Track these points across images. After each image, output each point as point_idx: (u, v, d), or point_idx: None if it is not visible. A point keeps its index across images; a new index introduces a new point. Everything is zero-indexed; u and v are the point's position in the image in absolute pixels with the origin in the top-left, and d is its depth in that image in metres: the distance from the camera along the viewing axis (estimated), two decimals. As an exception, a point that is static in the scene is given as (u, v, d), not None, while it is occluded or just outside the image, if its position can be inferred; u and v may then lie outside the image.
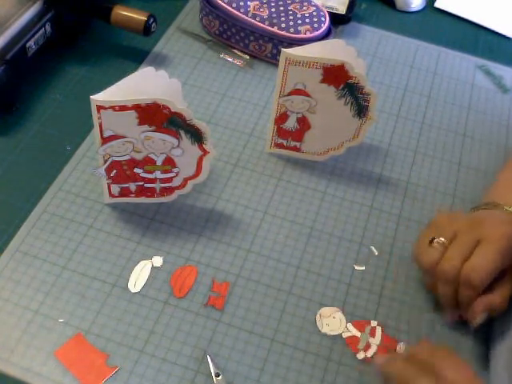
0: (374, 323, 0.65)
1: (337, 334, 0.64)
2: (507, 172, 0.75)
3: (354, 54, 0.69)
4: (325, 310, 0.66)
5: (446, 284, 0.62)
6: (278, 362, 0.62)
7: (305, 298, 0.67)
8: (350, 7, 0.97)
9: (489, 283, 0.61)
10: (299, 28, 0.87)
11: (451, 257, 0.62)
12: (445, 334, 0.65)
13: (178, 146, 0.65)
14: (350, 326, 0.65)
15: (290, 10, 0.89)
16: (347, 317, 0.65)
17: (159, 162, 0.67)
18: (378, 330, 0.65)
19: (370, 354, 0.63)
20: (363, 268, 0.70)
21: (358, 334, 0.64)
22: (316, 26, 0.88)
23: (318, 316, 0.65)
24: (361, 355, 0.63)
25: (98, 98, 0.60)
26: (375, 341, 0.64)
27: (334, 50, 0.68)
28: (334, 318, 0.65)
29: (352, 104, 0.71)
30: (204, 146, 0.65)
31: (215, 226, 0.72)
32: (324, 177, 0.78)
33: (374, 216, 0.75)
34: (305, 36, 0.87)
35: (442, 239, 0.63)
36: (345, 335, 0.64)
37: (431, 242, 0.64)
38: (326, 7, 0.95)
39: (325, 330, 0.64)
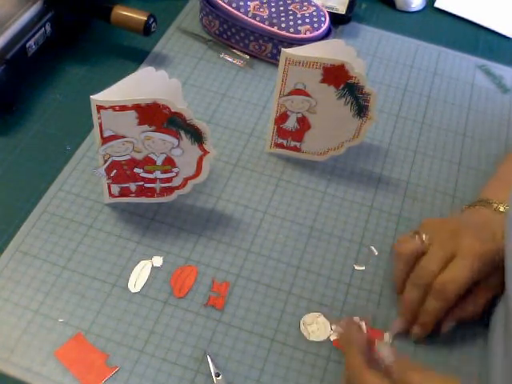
0: (356, 319, 0.65)
1: (324, 339, 0.64)
2: (504, 166, 0.76)
3: (354, 54, 0.69)
4: (307, 318, 0.65)
5: (415, 288, 0.63)
6: (277, 362, 0.62)
7: (305, 298, 0.67)
8: (350, 7, 0.97)
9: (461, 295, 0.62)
10: (299, 28, 0.87)
11: (429, 261, 0.63)
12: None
13: (178, 145, 0.65)
14: (334, 327, 0.65)
15: (290, 9, 0.89)
16: (329, 318, 0.65)
17: (159, 162, 0.67)
18: (363, 326, 0.65)
19: None
20: (363, 268, 0.70)
21: None
22: (316, 26, 0.88)
23: (301, 325, 0.65)
24: None
25: (98, 98, 0.60)
26: None
27: (334, 50, 0.68)
28: (317, 323, 0.65)
29: (352, 104, 0.71)
30: (204, 146, 0.65)
31: (215, 226, 0.72)
32: (324, 177, 0.78)
33: (373, 216, 0.75)
34: (305, 36, 0.87)
35: (424, 236, 0.65)
36: (332, 338, 0.64)
37: (413, 234, 0.66)
38: (326, 7, 0.95)
39: (312, 338, 0.64)
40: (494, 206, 0.67)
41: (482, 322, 0.65)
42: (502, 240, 0.59)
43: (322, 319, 0.65)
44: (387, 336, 0.64)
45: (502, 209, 0.66)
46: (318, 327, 0.64)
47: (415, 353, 0.63)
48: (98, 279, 0.66)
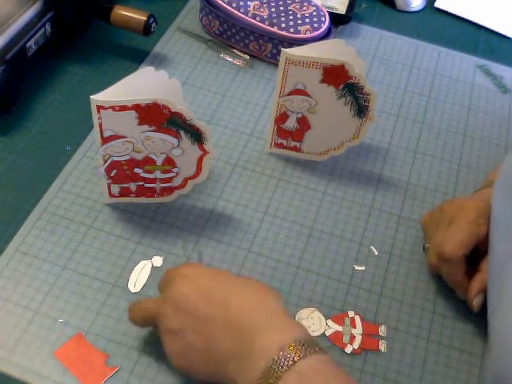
0: (351, 314, 0.66)
1: (319, 334, 0.64)
2: None
3: (354, 54, 0.69)
4: (303, 312, 0.65)
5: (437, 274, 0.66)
6: (278, 361, 0.62)
7: (305, 298, 0.67)
8: (350, 7, 0.97)
9: (471, 259, 0.63)
10: (299, 28, 0.87)
11: (431, 251, 0.66)
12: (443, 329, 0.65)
13: (178, 146, 0.65)
14: (329, 322, 0.65)
15: (290, 9, 0.89)
16: (324, 314, 0.66)
17: (159, 162, 0.67)
18: (358, 320, 0.65)
19: (356, 345, 0.63)
20: (363, 268, 0.70)
21: (340, 328, 0.64)
22: (316, 26, 0.88)
23: (296, 319, 0.65)
24: (349, 349, 0.63)
25: (98, 98, 0.60)
26: (357, 331, 0.64)
27: (334, 50, 0.68)
28: (312, 318, 0.65)
29: (352, 104, 0.71)
30: (204, 145, 0.65)
31: (215, 226, 0.72)
32: (324, 177, 0.78)
33: (373, 216, 0.75)
34: (305, 36, 0.87)
35: (428, 244, 0.68)
36: (327, 333, 0.64)
37: (424, 249, 0.69)
38: (326, 7, 0.95)
39: None
40: None
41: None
42: None
43: (316, 314, 0.65)
44: (383, 329, 0.65)
45: None
46: (313, 322, 0.65)
47: (427, 345, 0.64)
48: (97, 279, 0.66)
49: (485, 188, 0.71)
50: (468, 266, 0.63)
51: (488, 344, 0.58)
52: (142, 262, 0.68)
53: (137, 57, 0.89)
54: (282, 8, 0.89)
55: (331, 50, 0.68)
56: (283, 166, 0.79)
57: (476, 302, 0.63)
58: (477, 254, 0.64)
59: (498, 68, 0.96)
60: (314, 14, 0.89)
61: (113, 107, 0.60)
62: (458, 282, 0.64)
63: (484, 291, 0.62)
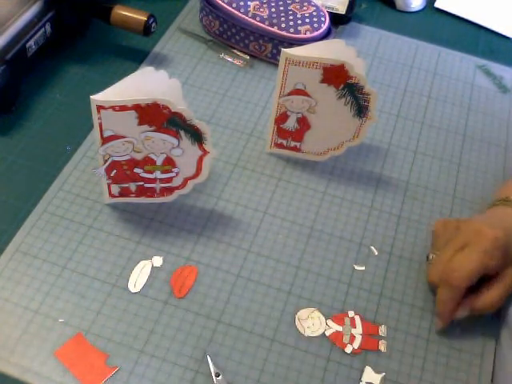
0: (351, 313, 0.66)
1: (319, 334, 0.64)
2: None
3: (354, 54, 0.69)
4: (302, 313, 0.65)
5: (434, 288, 0.64)
6: (277, 361, 0.62)
7: (305, 298, 0.67)
8: (350, 7, 0.97)
9: (474, 284, 0.61)
10: (299, 28, 0.87)
11: (435, 263, 0.64)
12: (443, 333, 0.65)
13: (178, 146, 0.65)
14: (329, 322, 0.65)
15: (290, 9, 0.89)
16: (324, 314, 0.66)
17: (159, 162, 0.67)
18: (358, 320, 0.65)
19: (356, 345, 0.63)
20: (363, 268, 0.70)
21: (340, 328, 0.64)
22: (316, 25, 0.88)
23: (296, 320, 0.65)
24: (349, 349, 0.63)
25: (98, 98, 0.60)
26: (357, 331, 0.64)
27: (334, 50, 0.68)
28: (312, 318, 0.65)
29: (352, 104, 0.71)
30: (204, 145, 0.65)
31: (215, 226, 0.72)
32: (324, 177, 0.78)
33: (373, 216, 0.75)
34: (305, 36, 0.87)
35: (433, 254, 0.67)
36: (327, 333, 0.64)
37: (427, 258, 0.68)
38: (326, 7, 0.95)
39: (307, 333, 0.64)
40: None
41: (496, 316, 0.65)
42: None
43: (316, 314, 0.65)
44: (383, 329, 0.65)
45: None
46: (313, 322, 0.65)
47: (427, 345, 0.64)
48: (97, 279, 0.66)
49: (501, 206, 0.68)
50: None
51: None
52: (142, 262, 0.68)
53: (137, 57, 0.89)
54: (281, 8, 0.89)
55: (331, 50, 0.68)
56: (283, 166, 0.79)
57: (459, 316, 0.62)
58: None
59: (498, 68, 0.96)
60: (314, 14, 0.89)
61: (113, 107, 0.60)
62: (447, 307, 0.62)
63: (469, 313, 0.62)
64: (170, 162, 0.67)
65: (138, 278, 0.66)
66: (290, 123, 0.75)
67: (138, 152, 0.66)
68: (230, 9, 0.89)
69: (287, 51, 0.67)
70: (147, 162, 0.67)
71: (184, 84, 0.86)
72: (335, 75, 0.68)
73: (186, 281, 0.67)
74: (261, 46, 0.90)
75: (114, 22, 0.86)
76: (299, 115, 0.74)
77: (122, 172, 0.68)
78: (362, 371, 0.62)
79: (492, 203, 0.71)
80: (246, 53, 0.92)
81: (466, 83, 0.93)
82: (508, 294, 0.63)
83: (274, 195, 0.75)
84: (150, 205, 0.73)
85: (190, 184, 0.70)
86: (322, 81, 0.69)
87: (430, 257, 0.67)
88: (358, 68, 0.68)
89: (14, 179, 0.74)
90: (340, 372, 0.62)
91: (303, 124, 0.75)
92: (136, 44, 0.91)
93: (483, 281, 0.62)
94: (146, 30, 0.85)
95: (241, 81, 0.88)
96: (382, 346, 0.64)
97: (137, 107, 0.61)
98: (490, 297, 0.62)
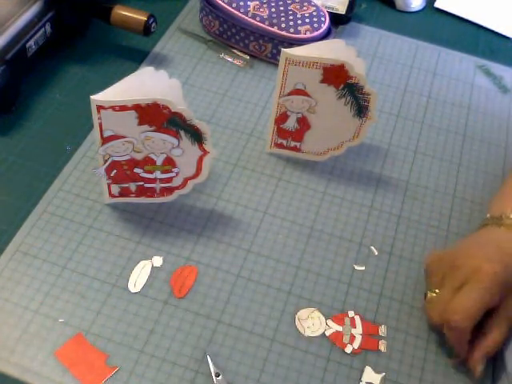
0: (351, 313, 0.66)
1: (319, 334, 0.64)
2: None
3: (354, 54, 0.69)
4: (302, 313, 0.65)
5: (436, 329, 0.62)
6: (277, 362, 0.62)
7: (305, 298, 0.67)
8: (350, 7, 0.97)
9: (481, 322, 0.60)
10: (299, 28, 0.87)
11: (435, 304, 0.62)
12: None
13: (178, 146, 0.65)
14: (329, 322, 0.65)
15: (290, 9, 0.89)
16: (324, 314, 0.66)
17: (159, 162, 0.67)
18: (358, 320, 0.65)
19: (356, 345, 0.63)
20: (363, 268, 0.70)
21: (340, 328, 0.64)
22: (316, 25, 0.88)
23: (296, 320, 0.65)
24: (349, 349, 0.63)
25: (98, 98, 0.60)
26: (357, 330, 0.64)
27: (334, 50, 0.68)
28: (312, 318, 0.65)
29: (352, 104, 0.71)
30: (204, 145, 0.65)
31: (215, 226, 0.72)
32: (324, 177, 0.78)
33: (373, 216, 0.75)
34: (305, 36, 0.87)
35: (433, 293, 0.64)
36: (327, 333, 0.64)
37: (425, 296, 0.65)
38: (326, 7, 0.95)
39: (307, 333, 0.64)
40: (505, 222, 0.65)
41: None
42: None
43: (316, 314, 0.65)
44: (383, 329, 0.65)
45: (510, 222, 0.65)
46: (313, 322, 0.65)
47: (427, 345, 0.64)
48: (97, 279, 0.66)
49: (494, 226, 0.66)
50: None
51: None
52: (142, 262, 0.68)
53: (137, 57, 0.89)
54: (282, 8, 0.89)
55: (331, 50, 0.68)
56: (283, 165, 0.79)
57: (479, 369, 0.60)
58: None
59: (498, 68, 0.96)
60: (314, 14, 0.89)
61: (113, 107, 0.60)
62: (462, 347, 0.61)
63: (487, 357, 0.60)
64: (170, 162, 0.67)
65: (138, 278, 0.66)
66: (290, 123, 0.75)
67: (138, 152, 0.66)
68: (229, 9, 0.89)
69: (287, 51, 0.67)
70: (147, 162, 0.67)
71: (184, 84, 0.86)
72: (335, 75, 0.68)
73: (186, 281, 0.67)
74: (261, 46, 0.90)
75: (114, 22, 0.86)
76: (299, 115, 0.74)
77: (122, 172, 0.68)
78: (362, 371, 0.62)
79: (484, 222, 0.69)
80: (246, 53, 0.92)
81: (466, 83, 0.93)
82: None
83: (274, 195, 0.75)
84: (150, 205, 0.73)
85: (190, 184, 0.70)
86: (322, 81, 0.69)
87: (429, 295, 0.64)
88: (358, 68, 0.68)
89: (14, 179, 0.74)
90: (340, 372, 0.62)
91: (303, 124, 0.75)
92: (136, 44, 0.91)
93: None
94: (146, 30, 0.85)
95: (241, 81, 0.88)
96: (382, 346, 0.64)
97: (137, 107, 0.61)
98: (499, 334, 0.60)
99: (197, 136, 0.64)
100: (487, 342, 0.60)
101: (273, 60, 0.90)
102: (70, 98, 0.83)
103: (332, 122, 0.74)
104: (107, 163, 0.66)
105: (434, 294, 0.63)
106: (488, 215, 0.69)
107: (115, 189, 0.70)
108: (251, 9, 0.88)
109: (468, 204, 0.77)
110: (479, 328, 0.60)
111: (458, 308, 0.59)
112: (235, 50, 0.92)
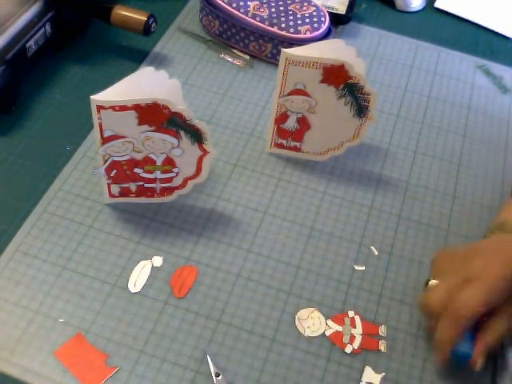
0: (351, 313, 0.66)
1: (319, 334, 0.64)
2: None
3: (354, 54, 0.69)
4: (302, 313, 0.65)
5: (431, 319, 0.61)
6: (278, 362, 0.62)
7: (305, 298, 0.67)
8: (350, 7, 0.97)
9: (480, 322, 0.60)
10: (299, 28, 0.87)
11: (438, 290, 0.61)
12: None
13: (178, 145, 0.65)
14: (329, 322, 0.65)
15: (290, 9, 0.89)
16: (324, 314, 0.66)
17: (159, 162, 0.67)
18: (358, 320, 0.65)
19: (356, 345, 0.63)
20: (363, 268, 0.70)
21: (340, 328, 0.64)
22: (316, 26, 0.88)
23: (296, 320, 0.65)
24: (349, 349, 0.63)
25: (98, 98, 0.60)
26: (357, 330, 0.64)
27: (334, 50, 0.68)
28: (312, 318, 0.65)
29: (352, 104, 0.71)
30: (204, 145, 0.65)
31: (215, 226, 0.72)
32: (324, 177, 0.78)
33: (373, 216, 0.75)
34: (305, 36, 0.87)
35: (435, 281, 0.63)
36: (327, 333, 0.64)
37: (426, 284, 0.64)
38: (326, 7, 0.95)
39: (307, 333, 0.64)
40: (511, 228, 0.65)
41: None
42: None
43: (316, 314, 0.65)
44: (383, 329, 0.65)
45: None
46: (313, 322, 0.65)
47: (427, 345, 0.64)
48: (97, 279, 0.66)
49: (498, 231, 0.67)
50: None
51: None
52: (142, 262, 0.68)
53: (137, 57, 0.89)
54: (282, 8, 0.89)
55: (331, 50, 0.68)
56: (283, 165, 0.79)
57: (479, 364, 0.59)
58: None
59: (498, 68, 0.96)
60: (314, 14, 0.89)
61: (113, 107, 0.60)
62: (449, 336, 0.59)
63: (488, 352, 0.60)
64: (170, 162, 0.67)
65: (138, 277, 0.66)
66: (290, 123, 0.75)
67: (138, 152, 0.66)
68: (229, 9, 0.89)
69: (287, 51, 0.67)
70: (147, 162, 0.67)
71: (184, 84, 0.86)
72: (335, 75, 0.68)
73: (186, 281, 0.67)
74: (261, 46, 0.90)
75: (114, 22, 0.86)
76: (299, 115, 0.74)
77: (122, 172, 0.68)
78: (361, 371, 0.62)
79: (490, 227, 0.69)
80: (246, 53, 0.92)
81: (466, 83, 0.93)
82: None
83: (274, 195, 0.75)
84: (150, 205, 0.73)
85: (190, 184, 0.70)
86: (322, 81, 0.69)
87: (431, 282, 0.63)
88: (358, 68, 0.68)
89: (14, 179, 0.74)
90: (340, 372, 0.62)
91: (303, 124, 0.75)
92: (136, 44, 0.91)
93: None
94: (146, 30, 0.85)
95: (241, 81, 0.88)
96: (382, 346, 0.64)
97: (137, 107, 0.61)
98: (499, 331, 0.60)
99: (197, 136, 0.64)
100: (486, 337, 0.60)
101: (273, 60, 0.90)
102: (70, 98, 0.83)
103: (332, 122, 0.74)
104: (107, 163, 0.66)
105: (437, 281, 0.63)
106: (492, 223, 0.69)
107: (115, 189, 0.70)
108: (251, 9, 0.88)
109: (468, 204, 0.77)
110: (478, 324, 0.60)
111: (466, 300, 0.59)
112: (235, 50, 0.92)
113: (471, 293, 0.59)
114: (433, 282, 0.63)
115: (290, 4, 0.90)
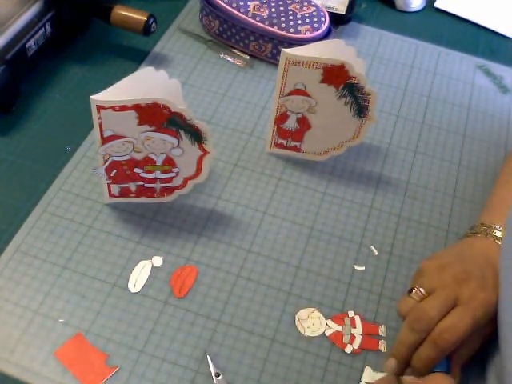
0: (351, 313, 0.66)
1: (319, 334, 0.64)
2: (503, 189, 0.73)
3: (354, 54, 0.69)
4: (302, 313, 0.65)
5: (412, 332, 0.58)
6: (277, 361, 0.62)
7: (305, 298, 0.67)
8: (350, 7, 0.97)
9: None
10: (299, 28, 0.87)
11: (430, 306, 0.59)
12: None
13: (178, 145, 0.65)
14: (329, 322, 0.65)
15: (290, 10, 0.89)
16: (324, 314, 0.66)
17: (159, 162, 0.67)
18: (358, 320, 0.65)
19: (356, 345, 0.63)
20: (363, 268, 0.70)
21: (340, 328, 0.64)
22: (316, 26, 0.88)
23: (296, 320, 0.65)
24: (349, 349, 0.63)
25: (98, 98, 0.60)
26: (357, 331, 0.64)
27: (333, 50, 0.68)
28: (312, 318, 0.65)
29: (352, 104, 0.71)
30: (204, 145, 0.65)
31: (215, 226, 0.72)
32: (324, 177, 0.78)
33: (373, 216, 0.75)
34: (305, 36, 0.87)
35: (422, 290, 0.61)
36: (327, 333, 0.64)
37: (410, 291, 0.62)
38: (326, 7, 0.95)
39: (307, 333, 0.64)
40: (494, 233, 0.65)
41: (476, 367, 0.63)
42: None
43: (316, 314, 0.65)
44: (383, 329, 0.65)
45: (498, 234, 0.64)
46: (313, 322, 0.65)
47: None
48: (98, 279, 0.66)
49: (482, 236, 0.66)
50: None
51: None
52: (142, 262, 0.68)
53: (137, 57, 0.90)
54: (282, 8, 0.89)
55: (331, 50, 0.68)
56: (283, 165, 0.79)
57: (456, 382, 0.59)
58: None
59: (497, 68, 0.96)
60: (314, 14, 0.89)
61: (113, 107, 0.60)
62: (408, 350, 0.58)
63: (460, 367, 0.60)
64: (170, 162, 0.67)
65: (138, 277, 0.66)
66: (290, 123, 0.75)
67: (138, 152, 0.66)
68: (229, 9, 0.89)
69: (287, 51, 0.67)
70: (147, 162, 0.67)
71: (184, 84, 0.86)
72: (335, 75, 0.68)
73: (186, 281, 0.67)
74: (261, 46, 0.90)
75: (114, 21, 0.86)
76: (299, 115, 0.74)
77: (122, 172, 0.68)
78: (361, 371, 0.62)
79: (473, 228, 0.68)
80: (246, 53, 0.92)
81: (466, 83, 0.93)
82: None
83: (274, 195, 0.75)
84: (150, 205, 0.73)
85: (190, 184, 0.70)
86: (322, 81, 0.69)
87: (414, 291, 0.61)
88: (358, 68, 0.68)
89: (14, 179, 0.74)
90: (340, 372, 0.62)
91: (303, 124, 0.75)
92: (136, 44, 0.91)
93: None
94: (146, 29, 0.85)
95: (241, 81, 0.88)
96: (382, 346, 0.64)
97: (137, 107, 0.61)
98: (472, 350, 0.61)
99: (197, 136, 0.64)
100: (462, 357, 0.60)
101: (273, 60, 0.90)
102: (69, 98, 0.83)
103: (332, 122, 0.74)
104: (107, 163, 0.66)
105: (420, 294, 0.61)
106: (478, 223, 0.68)
107: (115, 189, 0.70)
108: (251, 9, 0.88)
109: (468, 204, 0.77)
110: None
111: (449, 328, 0.57)
112: (235, 50, 0.92)
113: (458, 319, 0.58)
114: (415, 290, 0.61)
115: (290, 4, 0.90)
